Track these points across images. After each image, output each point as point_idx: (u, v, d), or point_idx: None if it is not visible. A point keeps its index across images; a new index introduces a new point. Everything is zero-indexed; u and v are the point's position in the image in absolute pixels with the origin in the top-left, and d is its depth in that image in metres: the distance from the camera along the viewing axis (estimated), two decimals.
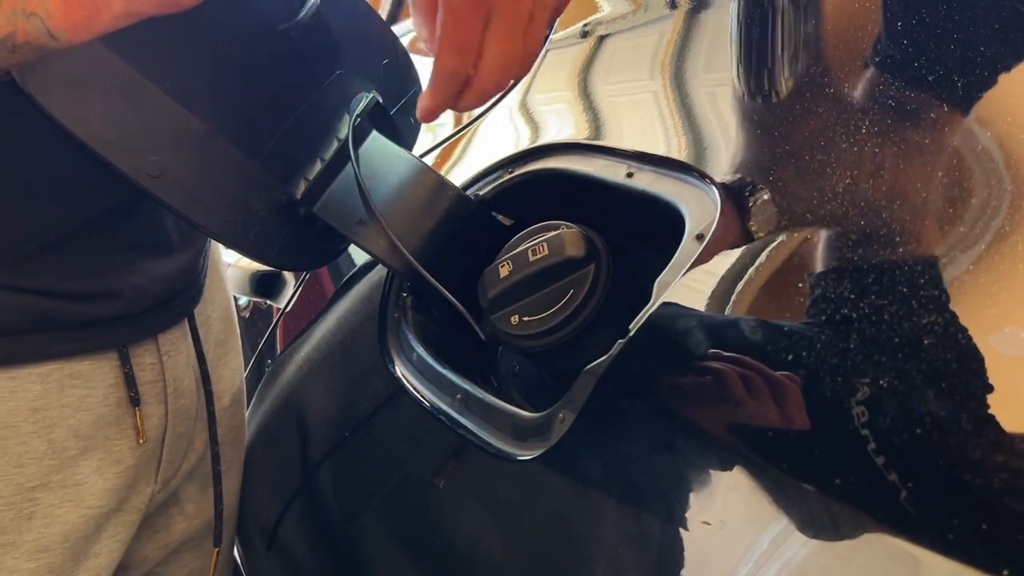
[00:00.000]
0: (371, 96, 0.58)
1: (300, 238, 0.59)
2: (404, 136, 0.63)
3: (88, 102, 0.49)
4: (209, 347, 0.72)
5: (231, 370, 0.78)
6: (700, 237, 0.43)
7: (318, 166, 0.57)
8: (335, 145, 0.57)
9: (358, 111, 0.57)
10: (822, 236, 0.38)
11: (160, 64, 0.51)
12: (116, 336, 0.62)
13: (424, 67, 0.61)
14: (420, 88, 0.64)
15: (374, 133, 0.58)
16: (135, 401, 0.63)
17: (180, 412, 0.68)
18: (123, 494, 0.64)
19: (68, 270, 0.57)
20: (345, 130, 0.57)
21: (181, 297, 0.67)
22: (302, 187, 0.56)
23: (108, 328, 0.61)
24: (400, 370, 0.60)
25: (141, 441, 0.64)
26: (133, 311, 0.62)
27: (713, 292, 0.40)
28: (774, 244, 0.39)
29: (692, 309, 0.42)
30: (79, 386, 0.60)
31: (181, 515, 0.74)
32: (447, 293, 0.55)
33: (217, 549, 0.75)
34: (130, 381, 0.63)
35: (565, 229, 0.50)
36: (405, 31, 1.02)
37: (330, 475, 0.69)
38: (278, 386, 0.82)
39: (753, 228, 0.40)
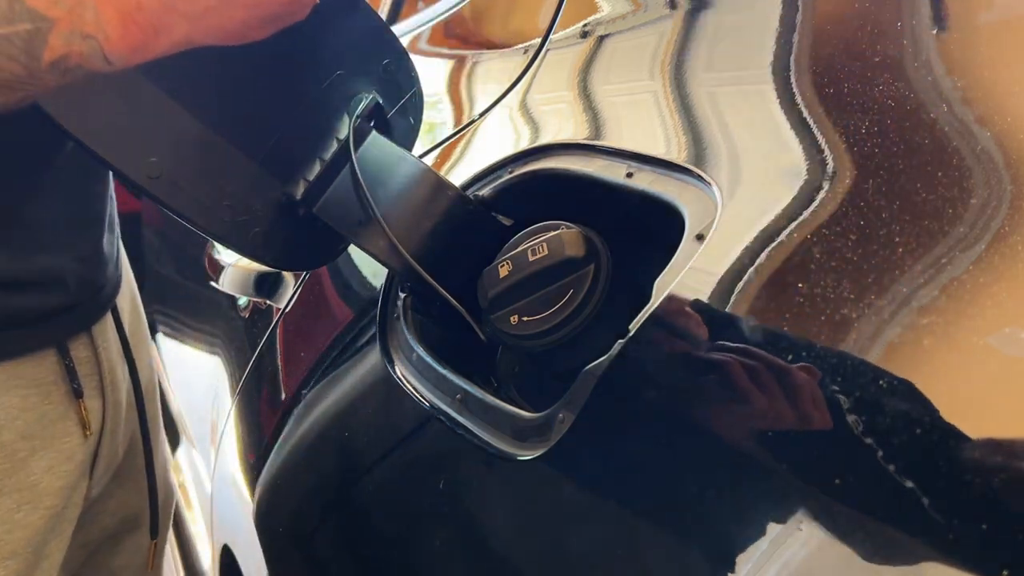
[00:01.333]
0: (371, 97, 0.58)
1: (300, 238, 0.59)
2: (403, 136, 0.63)
3: (87, 103, 0.49)
4: (127, 336, 0.72)
5: (144, 359, 0.77)
6: (700, 237, 0.43)
7: (318, 167, 0.57)
8: (335, 146, 0.57)
9: (357, 112, 0.57)
10: (821, 237, 0.38)
11: (160, 65, 0.51)
12: (57, 331, 0.61)
13: (423, 67, 0.61)
14: (420, 89, 0.64)
15: (374, 133, 0.58)
16: (78, 393, 0.62)
17: (116, 404, 0.67)
18: (72, 491, 0.63)
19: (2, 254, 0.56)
20: (345, 130, 0.57)
21: (109, 286, 0.67)
22: (302, 187, 0.56)
23: (49, 324, 0.60)
24: (400, 370, 0.60)
25: (88, 434, 0.63)
26: (71, 303, 0.62)
27: (713, 292, 0.40)
28: (774, 244, 0.39)
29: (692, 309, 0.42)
30: (21, 386, 0.59)
31: (104, 513, 0.73)
32: (446, 294, 0.55)
33: (155, 541, 0.75)
34: (71, 374, 0.62)
35: (565, 229, 0.50)
36: (405, 31, 1.02)
37: (361, 491, 0.68)
38: (316, 412, 0.79)
39: None
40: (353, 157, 0.55)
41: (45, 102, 0.47)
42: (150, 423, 0.75)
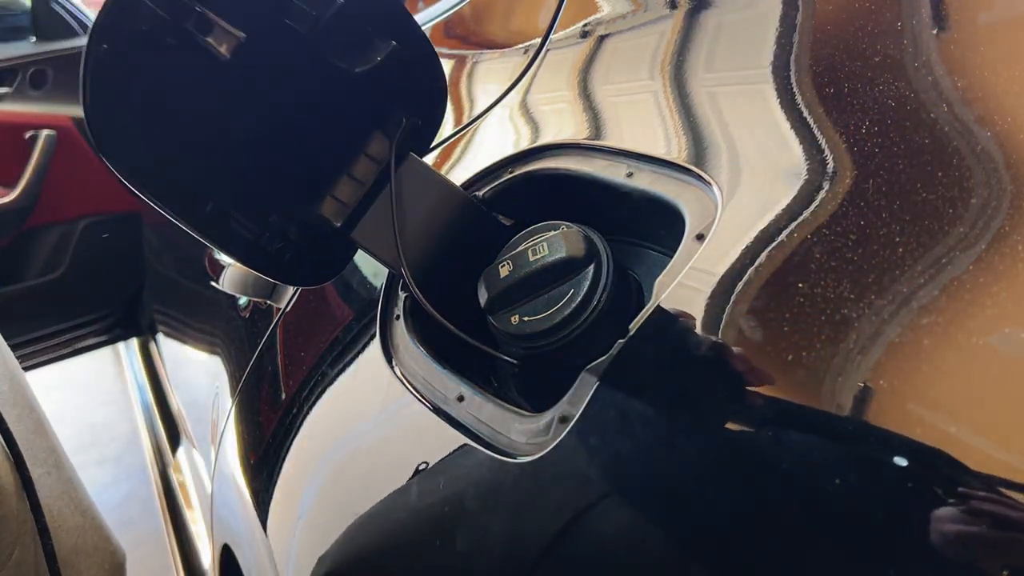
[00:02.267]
0: (410, 120, 0.57)
1: (321, 256, 0.58)
2: (423, 140, 0.61)
3: (150, 152, 0.48)
4: (6, 410, 0.63)
5: (33, 431, 0.67)
6: (700, 237, 0.43)
7: (346, 184, 0.55)
8: (364, 162, 0.55)
9: (397, 137, 0.55)
10: (821, 237, 0.38)
11: (232, 116, 0.50)
12: None
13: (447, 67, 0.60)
14: (444, 98, 0.61)
15: (411, 156, 0.56)
16: None
17: None
18: None
19: None
20: (376, 147, 0.55)
21: None
22: (330, 206, 0.55)
23: None
24: (400, 370, 0.60)
25: None
26: None
27: (713, 292, 0.40)
28: (774, 244, 0.39)
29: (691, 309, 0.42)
30: None
31: None
32: (485, 347, 0.53)
33: None
34: None
35: (565, 229, 0.50)
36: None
37: (359, 491, 0.68)
38: (316, 412, 0.78)
39: None
40: (392, 189, 0.54)
41: (109, 151, 0.46)
42: (54, 503, 0.66)
